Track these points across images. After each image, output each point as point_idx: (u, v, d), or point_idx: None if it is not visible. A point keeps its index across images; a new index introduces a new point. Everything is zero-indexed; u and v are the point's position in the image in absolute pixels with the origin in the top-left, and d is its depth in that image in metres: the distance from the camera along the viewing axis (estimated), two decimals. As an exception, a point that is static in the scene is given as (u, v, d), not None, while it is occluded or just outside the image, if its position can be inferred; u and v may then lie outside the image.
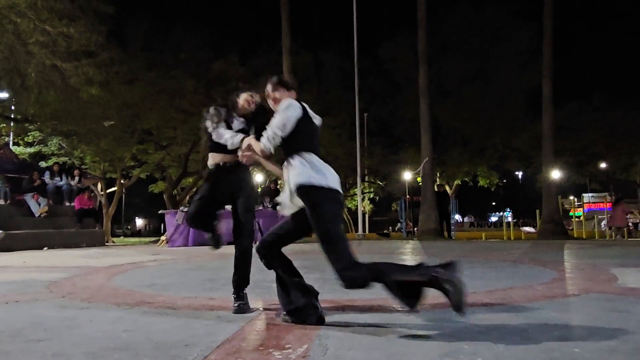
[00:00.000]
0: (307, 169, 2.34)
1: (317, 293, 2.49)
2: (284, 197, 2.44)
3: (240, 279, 2.87)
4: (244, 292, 2.84)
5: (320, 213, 2.29)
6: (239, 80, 19.29)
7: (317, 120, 2.57)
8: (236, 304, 2.74)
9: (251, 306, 2.79)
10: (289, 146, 2.43)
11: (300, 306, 2.41)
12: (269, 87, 2.63)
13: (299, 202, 2.36)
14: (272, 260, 2.51)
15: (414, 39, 16.72)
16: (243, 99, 3.00)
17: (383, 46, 25.51)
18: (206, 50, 20.66)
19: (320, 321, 2.37)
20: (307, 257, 6.82)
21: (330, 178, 2.35)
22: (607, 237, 17.65)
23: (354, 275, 2.20)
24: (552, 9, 15.45)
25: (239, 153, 2.75)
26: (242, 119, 2.99)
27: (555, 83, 15.47)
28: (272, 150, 2.50)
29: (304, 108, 2.48)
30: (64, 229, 11.26)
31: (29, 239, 9.82)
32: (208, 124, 2.93)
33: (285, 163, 2.45)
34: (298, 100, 2.54)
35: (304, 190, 2.31)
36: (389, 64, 25.16)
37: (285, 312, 2.47)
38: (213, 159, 2.97)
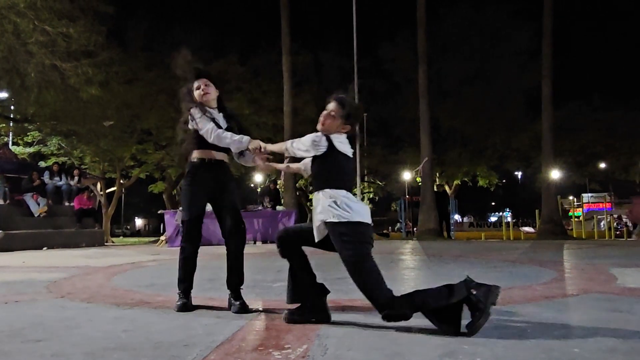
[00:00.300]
0: (329, 206, 2.36)
1: (328, 292, 2.51)
2: (314, 226, 2.45)
3: (238, 279, 2.87)
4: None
5: (345, 249, 2.31)
6: (238, 80, 19.33)
7: (348, 153, 2.51)
8: (238, 303, 2.74)
9: (251, 306, 2.79)
10: (316, 181, 2.47)
11: (308, 305, 2.44)
12: (333, 105, 2.50)
13: (325, 233, 2.40)
14: (289, 252, 2.52)
15: (414, 39, 16.71)
16: (196, 92, 2.91)
17: (383, 46, 25.47)
18: (206, 50, 20.64)
19: (325, 321, 2.39)
20: (309, 257, 6.83)
21: (354, 212, 2.35)
22: (608, 237, 17.63)
23: (392, 313, 2.23)
24: (552, 9, 15.47)
25: (257, 160, 2.79)
26: (220, 114, 2.94)
27: (555, 83, 15.49)
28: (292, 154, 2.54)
29: (329, 144, 2.43)
30: (64, 229, 11.26)
31: (28, 239, 9.81)
32: (199, 124, 2.81)
33: (314, 195, 2.49)
34: (349, 135, 2.52)
35: (328, 227, 2.36)
36: (389, 64, 25.13)
37: (288, 311, 2.48)
38: (199, 154, 2.89)
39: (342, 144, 2.48)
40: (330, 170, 2.44)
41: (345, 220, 2.32)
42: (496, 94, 23.54)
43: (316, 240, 2.46)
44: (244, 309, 2.71)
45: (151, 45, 19.30)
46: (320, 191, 2.43)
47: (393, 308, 2.22)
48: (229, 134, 2.78)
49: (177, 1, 39.36)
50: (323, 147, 2.42)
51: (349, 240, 2.31)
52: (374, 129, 27.18)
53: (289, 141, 2.55)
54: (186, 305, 2.78)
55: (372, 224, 2.45)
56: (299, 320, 2.41)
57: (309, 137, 2.45)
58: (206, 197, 2.91)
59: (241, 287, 2.86)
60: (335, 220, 2.33)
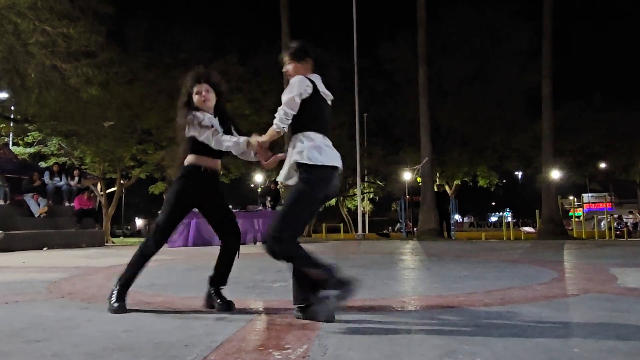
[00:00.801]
0: (306, 148, 2.42)
1: None
2: (283, 171, 2.53)
3: (225, 279, 2.88)
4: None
5: (300, 186, 2.41)
6: (238, 80, 19.33)
7: (328, 97, 2.58)
8: (228, 301, 2.77)
9: (251, 306, 2.79)
10: (294, 124, 2.51)
11: (313, 303, 2.44)
12: (285, 58, 2.59)
13: (294, 175, 2.47)
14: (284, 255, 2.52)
15: (414, 39, 16.71)
16: (196, 96, 2.89)
17: (383, 46, 25.51)
18: (205, 50, 20.65)
19: (330, 319, 2.39)
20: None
21: (326, 156, 2.43)
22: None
23: (275, 249, 2.36)
24: (552, 9, 15.46)
25: (261, 160, 2.74)
26: (216, 118, 2.90)
27: (554, 83, 15.49)
28: (287, 129, 2.52)
29: (313, 85, 2.49)
30: (64, 229, 11.26)
31: (28, 239, 9.81)
32: (193, 131, 2.77)
33: (292, 137, 2.53)
34: (313, 70, 2.56)
35: (299, 167, 2.43)
36: (389, 64, 25.15)
37: (297, 308, 2.49)
38: (195, 160, 2.82)
39: (322, 85, 2.54)
40: (310, 113, 2.48)
41: (319, 163, 2.40)
42: (496, 94, 23.57)
43: (279, 179, 2.55)
44: (230, 307, 2.74)
45: (151, 45, 19.30)
46: (299, 133, 2.48)
47: (280, 246, 2.35)
48: (227, 137, 2.74)
49: (177, 1, 39.43)
50: (310, 88, 2.46)
51: (308, 179, 2.39)
52: (373, 129, 27.22)
53: (275, 118, 2.52)
54: (124, 307, 2.74)
55: (340, 170, 2.53)
56: (304, 317, 2.43)
57: (293, 83, 2.47)
58: (191, 206, 2.89)
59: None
60: (308, 162, 2.40)
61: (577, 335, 2.13)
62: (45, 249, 9.69)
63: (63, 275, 4.70)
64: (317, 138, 2.46)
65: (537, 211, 16.66)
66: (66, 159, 19.23)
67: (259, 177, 30.10)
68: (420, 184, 18.42)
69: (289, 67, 2.58)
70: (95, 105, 14.92)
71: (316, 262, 2.36)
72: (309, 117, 2.47)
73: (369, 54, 24.15)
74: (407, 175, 26.36)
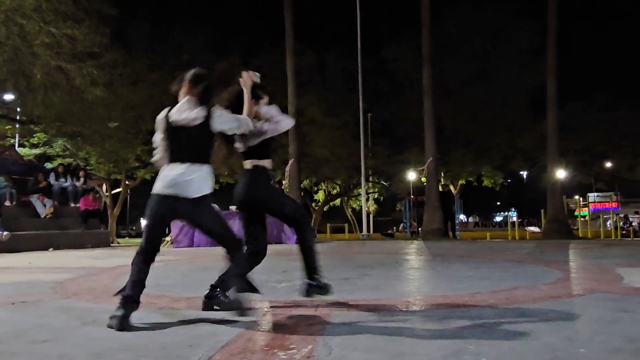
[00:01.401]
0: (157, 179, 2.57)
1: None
2: None
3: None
4: None
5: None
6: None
7: (179, 119, 2.51)
8: (229, 301, 2.75)
9: (256, 306, 2.79)
10: None
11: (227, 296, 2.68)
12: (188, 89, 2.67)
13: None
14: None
15: (417, 39, 16.66)
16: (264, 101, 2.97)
17: (386, 47, 25.45)
18: (208, 51, 20.67)
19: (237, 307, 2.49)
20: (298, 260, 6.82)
21: (158, 184, 2.52)
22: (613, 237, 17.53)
23: (134, 261, 2.60)
24: (556, 9, 15.40)
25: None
26: None
27: (557, 82, 15.42)
28: (160, 162, 2.63)
29: (165, 116, 2.56)
30: (69, 230, 11.31)
31: (34, 240, 9.86)
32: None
33: None
34: (186, 93, 2.60)
35: None
36: (392, 65, 25.10)
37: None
38: (265, 164, 2.93)
39: (178, 111, 2.53)
40: (167, 146, 2.56)
41: (153, 192, 2.53)
42: (498, 94, 23.48)
43: None
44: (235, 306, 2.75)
45: (154, 46, 19.36)
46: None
47: (138, 255, 2.59)
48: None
49: (179, 2, 39.53)
50: (160, 122, 2.58)
51: (150, 209, 2.53)
52: (377, 129, 27.20)
53: None
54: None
55: (173, 195, 2.49)
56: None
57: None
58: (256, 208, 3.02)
59: None
60: (153, 191, 2.55)
61: (583, 335, 2.13)
62: (50, 249, 9.74)
63: (69, 276, 4.72)
64: (165, 170, 2.54)
65: (542, 211, 16.58)
66: (71, 160, 19.32)
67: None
68: (424, 183, 18.37)
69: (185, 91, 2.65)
70: (100, 106, 14.99)
71: (135, 294, 2.54)
72: (167, 149, 2.56)
73: (371, 54, 24.14)
74: (411, 175, 26.29)
